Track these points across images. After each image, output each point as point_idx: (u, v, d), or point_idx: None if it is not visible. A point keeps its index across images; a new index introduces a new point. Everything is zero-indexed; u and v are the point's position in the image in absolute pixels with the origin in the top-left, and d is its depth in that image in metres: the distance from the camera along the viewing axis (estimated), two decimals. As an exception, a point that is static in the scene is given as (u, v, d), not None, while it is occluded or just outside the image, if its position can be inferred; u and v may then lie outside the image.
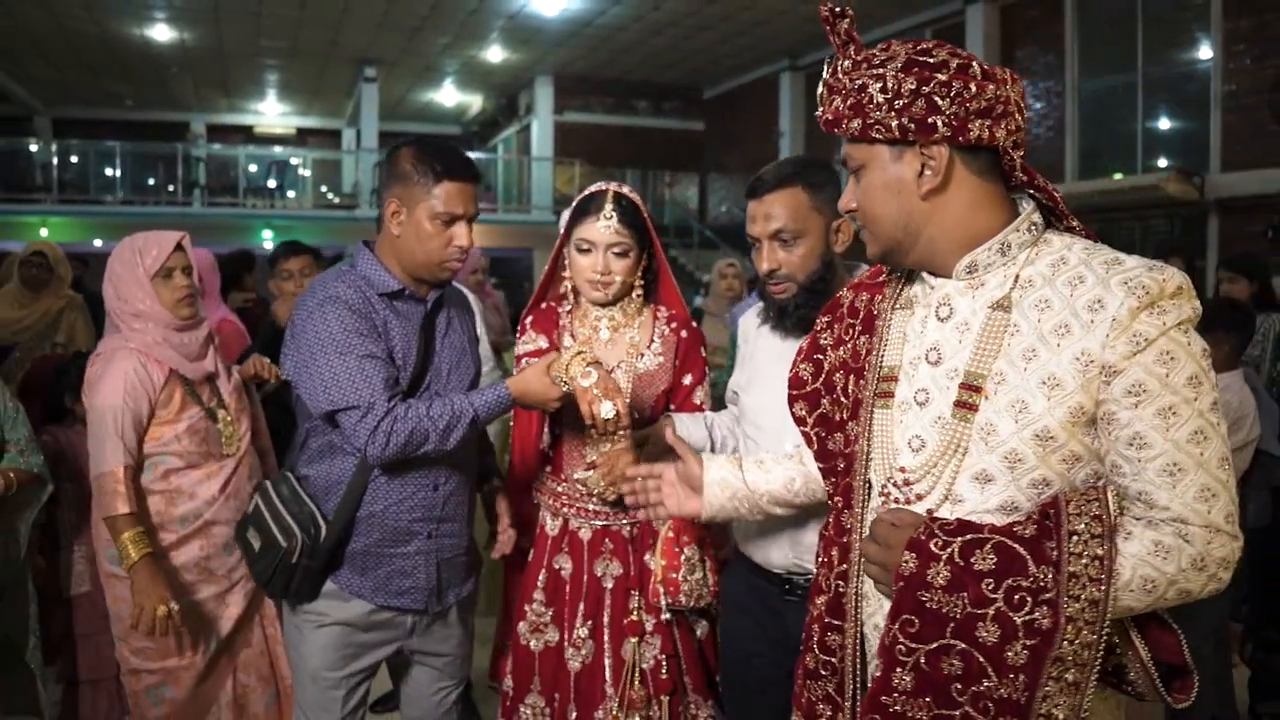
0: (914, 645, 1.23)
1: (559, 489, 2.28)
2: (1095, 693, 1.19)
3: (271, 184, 18.22)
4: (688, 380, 2.29)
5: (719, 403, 2.37)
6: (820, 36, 13.33)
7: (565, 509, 2.26)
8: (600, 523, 2.24)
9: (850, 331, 1.49)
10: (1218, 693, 2.99)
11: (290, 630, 2.12)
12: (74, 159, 17.43)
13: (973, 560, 1.20)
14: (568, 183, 17.87)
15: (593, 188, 2.27)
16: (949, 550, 1.22)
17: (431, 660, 2.21)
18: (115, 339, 2.43)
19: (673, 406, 2.29)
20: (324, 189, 19.33)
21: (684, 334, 2.31)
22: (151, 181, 17.89)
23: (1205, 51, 10.04)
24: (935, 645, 1.21)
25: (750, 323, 2.17)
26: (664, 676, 2.18)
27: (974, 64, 1.28)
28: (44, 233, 16.12)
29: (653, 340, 2.27)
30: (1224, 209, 9.71)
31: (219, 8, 13.47)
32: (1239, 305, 3.66)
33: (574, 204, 2.27)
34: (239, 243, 10.96)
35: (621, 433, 2.12)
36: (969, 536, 1.22)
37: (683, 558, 2.14)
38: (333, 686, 2.06)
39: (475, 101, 19.90)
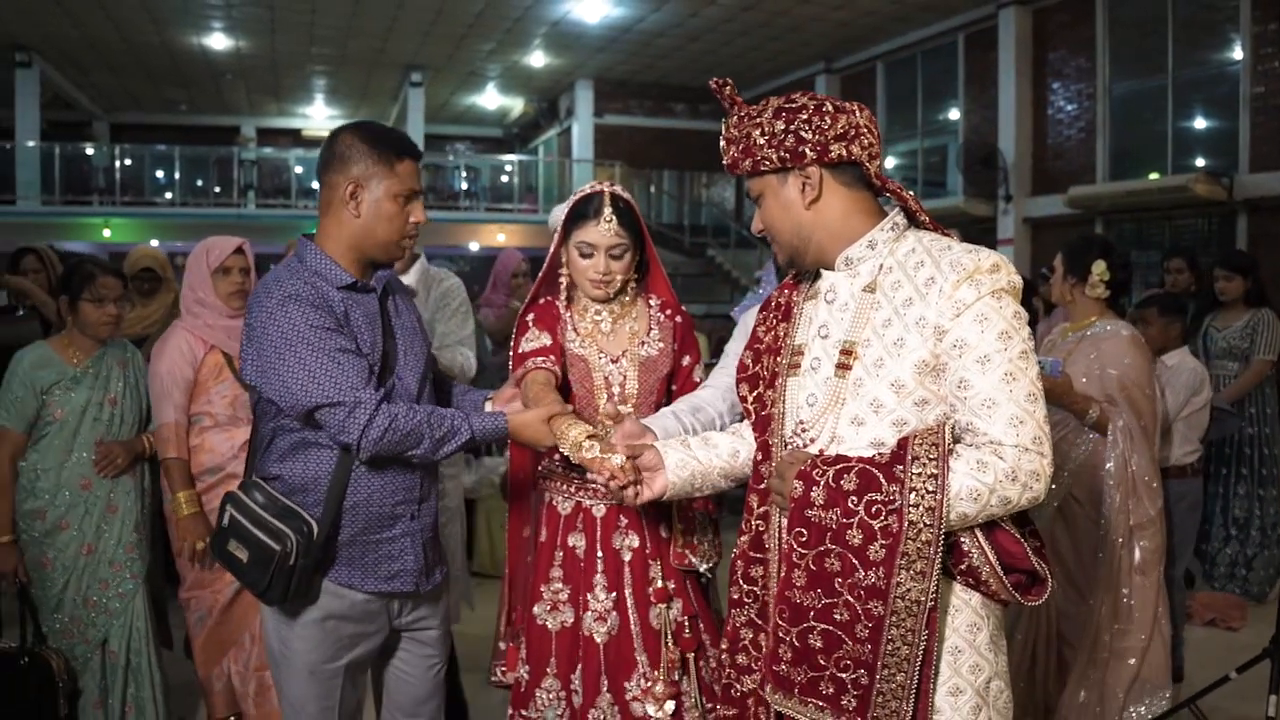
0: (804, 551, 1.54)
1: (572, 473, 2.29)
2: (950, 590, 1.54)
3: (314, 185, 18.71)
4: (686, 361, 2.41)
5: None
6: (855, 40, 13.65)
7: (578, 492, 2.31)
8: (613, 500, 2.26)
9: (774, 321, 1.81)
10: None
11: (277, 626, 2.05)
12: (128, 162, 18.06)
13: (842, 483, 1.51)
14: (607, 182, 18.14)
15: (587, 189, 2.32)
16: (825, 476, 1.53)
17: (419, 635, 2.21)
18: (175, 322, 3.02)
19: (674, 387, 2.40)
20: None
21: (678, 319, 2.42)
22: (201, 183, 18.44)
23: (1235, 53, 10.16)
24: (819, 549, 1.52)
25: (751, 324, 2.43)
26: (687, 636, 2.26)
27: (827, 103, 1.61)
28: (106, 233, 16.82)
29: (651, 328, 2.37)
30: (1253, 209, 9.83)
31: (274, 17, 14.01)
32: (1179, 297, 4.48)
33: (571, 205, 2.31)
34: (295, 243, 11.37)
35: (613, 423, 2.21)
36: (840, 465, 1.53)
37: (695, 521, 2.29)
38: (331, 676, 2.05)
39: (517, 105, 20.28)
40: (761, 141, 1.62)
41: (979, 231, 11.77)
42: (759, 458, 1.78)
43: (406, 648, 2.21)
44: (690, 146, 18.80)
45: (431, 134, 18.64)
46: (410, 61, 16.59)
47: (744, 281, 15.67)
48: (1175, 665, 3.45)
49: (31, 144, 16.43)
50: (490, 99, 19.79)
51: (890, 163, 15.15)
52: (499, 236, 18.14)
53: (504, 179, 19.80)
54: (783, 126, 1.60)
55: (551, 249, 2.38)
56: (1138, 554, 2.97)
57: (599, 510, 2.29)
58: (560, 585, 2.28)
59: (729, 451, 1.91)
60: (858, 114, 1.61)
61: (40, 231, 14.13)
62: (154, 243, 15.81)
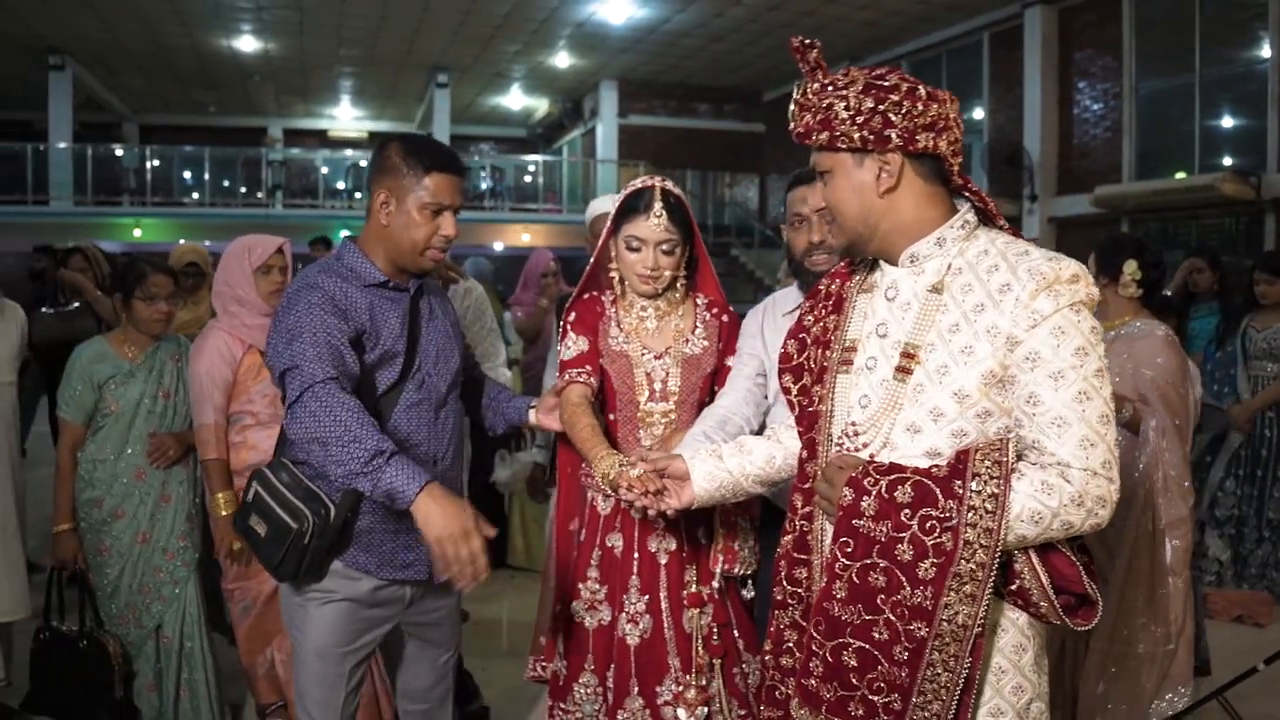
0: (849, 562, 1.47)
1: None
2: (1000, 610, 1.47)
3: (340, 185, 18.86)
4: (730, 362, 2.36)
5: None
6: (880, 39, 13.68)
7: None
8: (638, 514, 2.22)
9: (824, 312, 1.71)
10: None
11: (293, 609, 2.12)
12: (156, 162, 18.31)
13: (895, 494, 1.43)
14: (630, 180, 18.22)
15: (638, 183, 2.30)
16: (878, 486, 1.45)
17: (427, 631, 2.25)
18: (211, 322, 3.00)
19: (717, 387, 2.36)
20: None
21: (724, 319, 2.38)
22: (228, 183, 18.66)
23: (1263, 51, 10.15)
24: (865, 562, 1.45)
25: (763, 319, 2.36)
26: (716, 642, 2.23)
27: (920, 87, 1.50)
28: (137, 233, 17.05)
29: (696, 326, 2.34)
30: (1281, 208, 9.82)
31: (303, 19, 14.19)
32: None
33: (622, 200, 2.30)
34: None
35: (668, 419, 2.27)
36: (894, 475, 1.45)
37: (737, 527, 2.25)
38: (338, 663, 2.09)
39: (541, 105, 20.39)
40: (844, 115, 1.50)
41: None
42: (804, 455, 1.70)
43: (416, 636, 2.25)
44: (714, 146, 18.85)
45: (457, 134, 18.76)
46: (437, 63, 16.74)
47: (768, 281, 15.69)
48: (1200, 660, 3.48)
49: (63, 145, 16.69)
50: (515, 100, 19.93)
51: (914, 162, 15.17)
52: (524, 236, 18.26)
53: (528, 179, 19.91)
54: (871, 105, 1.49)
55: (599, 243, 2.37)
56: (1169, 553, 2.98)
57: (637, 513, 2.22)
58: (597, 585, 2.28)
59: (764, 458, 1.87)
60: (948, 105, 1.52)
61: (72, 231, 14.34)
62: (181, 241, 16.03)
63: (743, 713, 2.22)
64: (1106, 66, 11.62)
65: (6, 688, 3.19)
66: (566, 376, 2.27)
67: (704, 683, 2.20)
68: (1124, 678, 2.99)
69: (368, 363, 2.04)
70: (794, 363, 1.75)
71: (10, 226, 15.49)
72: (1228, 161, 10.64)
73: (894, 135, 1.49)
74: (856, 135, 1.50)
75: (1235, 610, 4.56)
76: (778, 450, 1.87)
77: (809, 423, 1.69)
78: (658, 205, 2.21)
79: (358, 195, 18.70)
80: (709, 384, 2.34)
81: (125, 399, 3.03)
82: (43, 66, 16.02)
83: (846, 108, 1.50)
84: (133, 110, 20.45)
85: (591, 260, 2.41)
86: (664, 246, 2.23)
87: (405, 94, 19.26)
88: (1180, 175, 10.80)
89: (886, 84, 1.49)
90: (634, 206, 2.24)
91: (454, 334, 2.26)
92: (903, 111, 1.48)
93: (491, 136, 22.67)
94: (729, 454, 1.87)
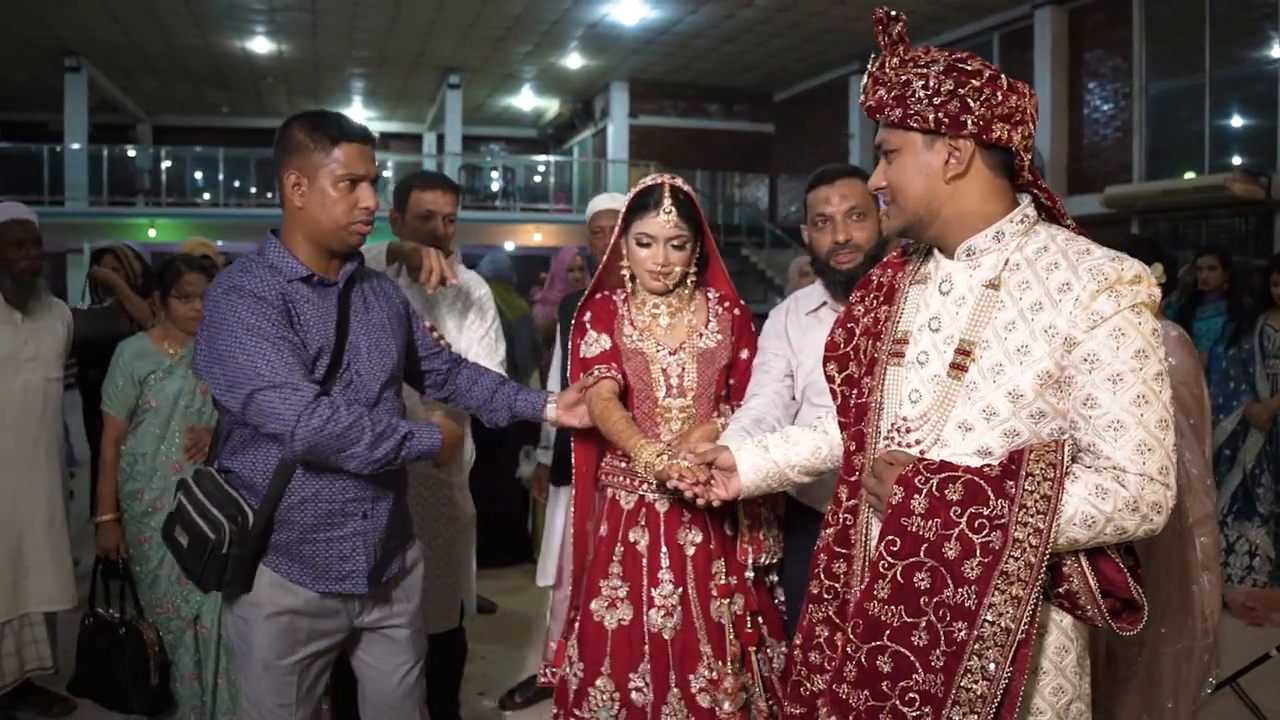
0: (893, 561, 1.44)
1: (634, 466, 2.27)
2: (1045, 611, 1.43)
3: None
4: (745, 355, 2.38)
5: None
6: (890, 43, 13.77)
7: (642, 485, 2.29)
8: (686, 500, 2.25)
9: (874, 302, 1.69)
10: None
11: (235, 622, 2.07)
12: (169, 163, 18.45)
13: (946, 492, 1.41)
14: (641, 180, 18.30)
15: (649, 180, 2.31)
16: (929, 485, 1.42)
17: (387, 634, 2.18)
18: None
19: (732, 381, 2.38)
20: (402, 192, 19.89)
21: (736, 312, 2.39)
22: (239, 184, 18.77)
23: (1273, 51, 10.18)
24: (910, 561, 1.42)
25: (786, 319, 2.43)
26: (749, 630, 2.25)
27: (1002, 77, 1.47)
28: (152, 233, 17.17)
29: (709, 320, 2.35)
30: (1290, 208, 9.83)
31: (316, 21, 14.29)
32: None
33: (632, 197, 2.31)
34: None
35: (686, 414, 2.30)
36: (945, 474, 1.42)
37: (762, 518, 2.27)
38: (287, 673, 2.02)
39: (552, 106, 20.48)
40: (922, 94, 1.46)
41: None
42: (852, 448, 1.66)
43: (374, 646, 2.17)
44: (724, 147, 18.90)
45: (467, 135, 18.90)
46: (448, 63, 16.84)
47: (778, 281, 15.75)
48: None
49: (77, 146, 16.83)
50: (526, 100, 20.02)
51: (924, 162, 15.22)
52: (535, 236, 18.35)
53: (538, 179, 20.01)
54: (951, 87, 1.45)
55: (611, 241, 2.39)
56: (1199, 550, 3.02)
57: (662, 506, 2.28)
58: (619, 582, 2.27)
59: (810, 449, 1.87)
60: (1027, 98, 1.49)
61: (88, 232, 14.50)
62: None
63: (772, 699, 2.25)
64: (1116, 67, 11.65)
65: (53, 675, 3.28)
66: (595, 372, 2.28)
67: (738, 670, 2.21)
68: (1164, 675, 3.03)
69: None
70: (840, 351, 1.73)
71: (27, 227, 15.62)
72: (1237, 161, 10.66)
73: (970, 121, 1.45)
74: (932, 116, 1.46)
75: (1253, 604, 4.55)
76: (823, 441, 1.87)
77: (857, 415, 1.65)
78: (667, 201, 2.23)
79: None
80: (724, 377, 2.36)
81: (164, 394, 3.11)
82: (58, 69, 16.18)
83: (925, 86, 1.46)
84: (146, 111, 20.59)
85: (604, 259, 2.43)
86: (674, 242, 2.25)
87: (416, 94, 19.36)
88: (1190, 175, 10.82)
89: (969, 68, 1.46)
90: (644, 204, 2.26)
91: (393, 327, 2.15)
92: (982, 98, 1.45)
93: (502, 137, 22.78)
94: (775, 445, 1.89)
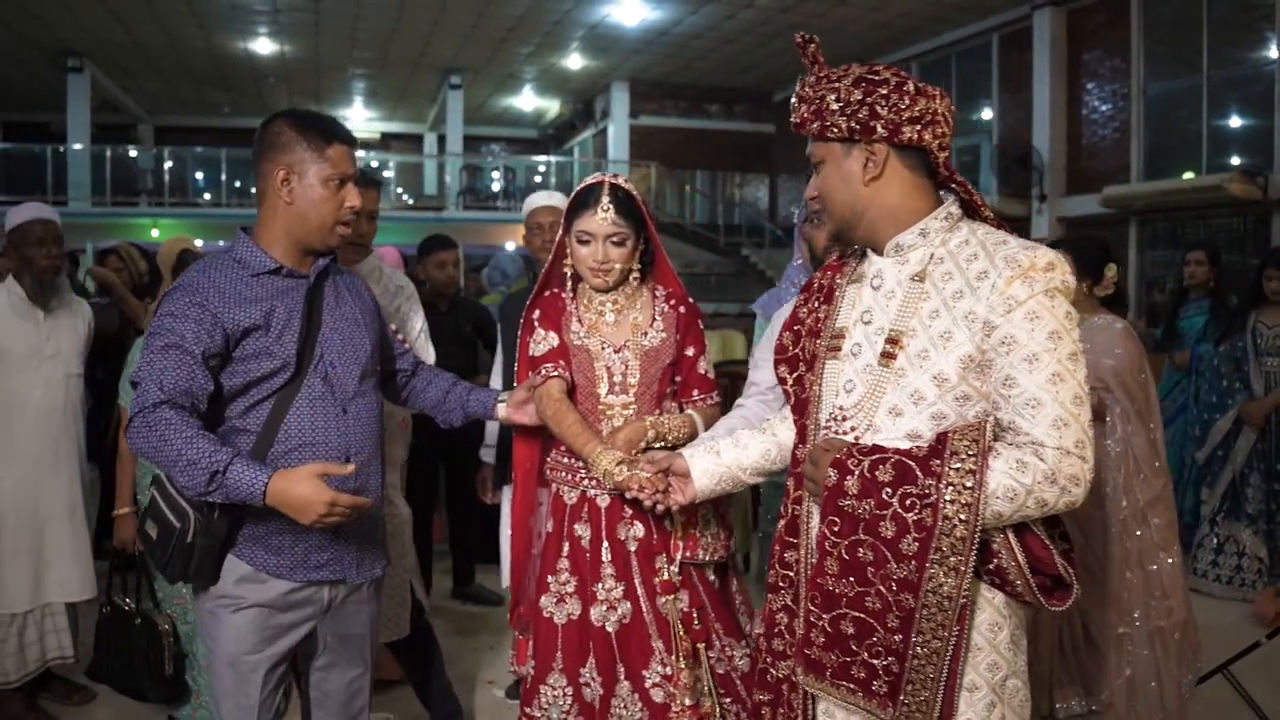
0: (837, 539, 1.53)
1: (576, 463, 2.30)
2: (977, 588, 1.51)
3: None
4: (690, 352, 2.39)
5: None
6: (890, 41, 13.81)
7: (583, 481, 2.31)
8: (618, 492, 2.27)
9: (816, 303, 1.78)
10: None
11: (204, 616, 2.04)
12: (170, 163, 18.52)
13: (877, 474, 1.49)
14: (642, 181, 18.43)
15: (590, 180, 2.34)
16: (860, 466, 1.51)
17: (343, 644, 2.16)
18: None
19: (678, 379, 2.39)
20: (400, 191, 19.91)
21: (682, 309, 2.39)
22: (239, 184, 18.79)
23: (1270, 52, 10.25)
24: (851, 539, 1.51)
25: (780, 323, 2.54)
26: (697, 627, 2.25)
27: (909, 83, 1.55)
28: (155, 234, 17.23)
29: (654, 318, 2.36)
30: (1288, 207, 9.87)
31: (319, 22, 14.36)
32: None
33: (573, 196, 2.34)
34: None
35: (629, 411, 2.31)
36: (876, 456, 1.51)
37: (699, 514, 2.27)
38: (251, 670, 2.01)
39: (552, 106, 20.53)
40: (835, 107, 1.57)
41: (1013, 231, 11.84)
42: (797, 441, 1.75)
43: (331, 649, 2.16)
44: (724, 147, 18.96)
45: (468, 135, 18.95)
46: (449, 64, 16.90)
47: (778, 281, 15.80)
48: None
49: (80, 146, 16.90)
50: (526, 100, 20.06)
51: (924, 162, 15.29)
52: (535, 236, 18.36)
53: (539, 179, 20.07)
54: (859, 96, 1.55)
55: (556, 240, 2.42)
56: (1153, 532, 3.11)
57: (603, 501, 2.30)
58: (567, 576, 2.29)
59: (760, 452, 1.94)
60: (937, 100, 1.57)
61: (91, 232, 14.53)
62: (198, 242, 16.18)
63: (723, 694, 2.26)
64: (1115, 67, 11.72)
65: (74, 664, 3.35)
66: (543, 371, 2.31)
67: (690, 665, 2.22)
68: (1142, 656, 3.11)
69: (259, 357, 1.94)
70: (789, 354, 1.81)
71: (30, 227, 15.69)
72: (1236, 161, 10.72)
73: (879, 126, 1.55)
74: (844, 125, 1.57)
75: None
76: (773, 444, 1.94)
77: (799, 409, 1.75)
78: (605, 199, 2.27)
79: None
80: (669, 375, 2.38)
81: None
82: (61, 69, 16.25)
83: (837, 99, 1.57)
84: (148, 112, 20.64)
85: (549, 257, 2.47)
86: (613, 239, 2.27)
87: (417, 95, 19.42)
88: (1188, 175, 10.88)
89: (876, 77, 1.56)
90: (584, 202, 2.30)
91: (366, 322, 2.16)
92: (890, 104, 1.54)
93: (503, 137, 22.83)
94: (726, 449, 1.96)
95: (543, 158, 21.34)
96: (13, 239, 3.22)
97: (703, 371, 2.40)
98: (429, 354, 3.15)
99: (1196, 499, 5.29)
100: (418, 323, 3.19)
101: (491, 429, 3.41)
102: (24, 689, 3.22)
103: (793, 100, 1.66)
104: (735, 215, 19.53)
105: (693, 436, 2.31)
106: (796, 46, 1.64)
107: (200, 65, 16.92)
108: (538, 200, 3.55)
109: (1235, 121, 11.11)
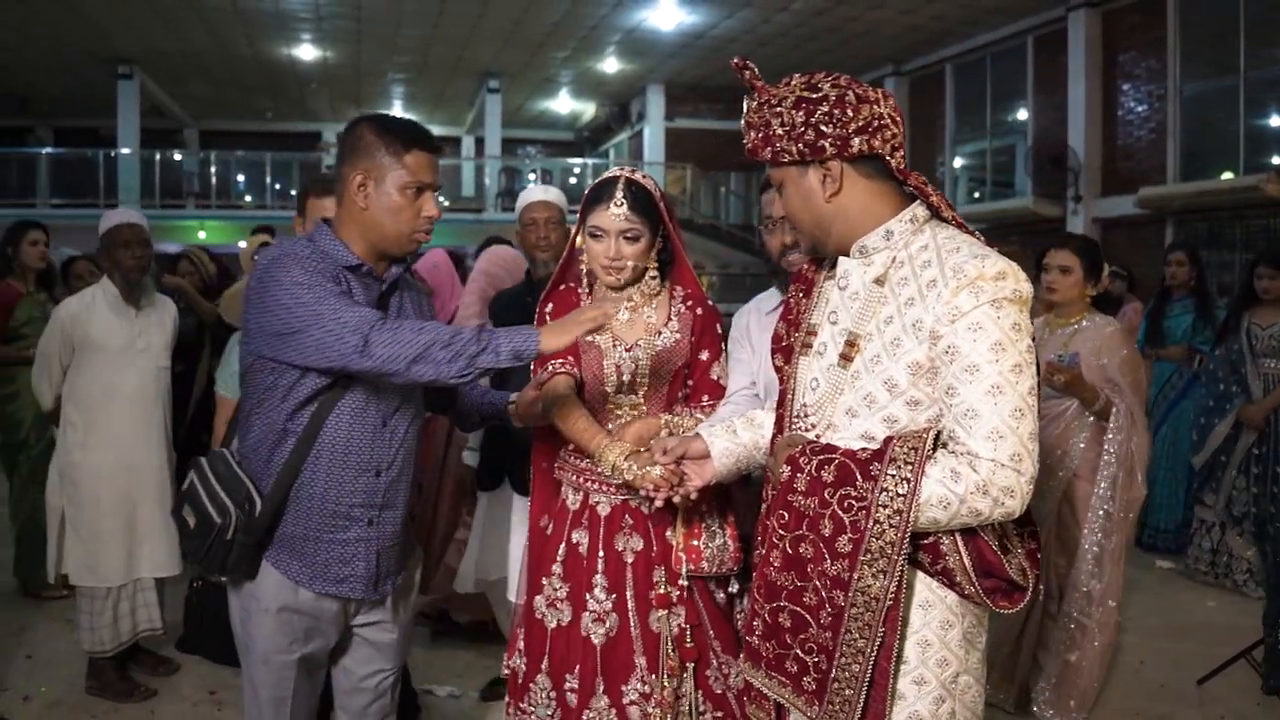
0: (783, 533, 1.57)
1: (581, 463, 2.27)
2: (922, 586, 1.54)
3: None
4: (704, 356, 2.32)
5: None
6: (924, 43, 13.92)
7: (587, 483, 2.27)
8: (621, 497, 2.24)
9: (800, 296, 1.80)
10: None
11: (238, 613, 2.06)
12: (214, 168, 18.96)
13: (823, 473, 1.52)
14: (677, 183, 18.58)
15: (606, 175, 2.28)
16: (810, 465, 1.54)
17: (372, 645, 2.16)
18: None
19: (690, 383, 2.33)
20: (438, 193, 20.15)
21: (699, 311, 2.33)
22: (279, 186, 19.18)
23: (1309, 53, 10.22)
24: (795, 534, 1.55)
25: (749, 319, 2.44)
26: (689, 645, 2.18)
27: (849, 92, 1.53)
28: (202, 235, 17.68)
29: (670, 319, 2.30)
30: (1324, 209, 9.87)
31: (361, 30, 14.68)
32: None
33: (588, 192, 2.28)
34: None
35: (636, 411, 2.28)
36: (824, 455, 1.54)
37: (703, 526, 2.20)
38: (283, 667, 2.02)
39: (588, 109, 20.74)
40: (780, 132, 1.56)
41: (1047, 232, 11.89)
42: (775, 430, 1.79)
43: (357, 650, 2.16)
44: (758, 149, 19.03)
45: (505, 137, 19.20)
46: (488, 68, 17.17)
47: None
48: None
49: (129, 151, 17.34)
50: (563, 103, 20.30)
51: (958, 162, 15.35)
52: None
53: (574, 181, 20.29)
54: (802, 119, 1.53)
55: (571, 236, 2.39)
56: (1128, 532, 3.20)
57: (604, 509, 2.26)
58: (560, 582, 2.25)
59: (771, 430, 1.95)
60: (881, 104, 1.56)
61: (141, 234, 14.88)
62: (241, 244, 16.53)
63: (719, 714, 2.20)
64: (1151, 68, 11.69)
65: (162, 637, 3.59)
66: (550, 368, 2.26)
67: (675, 684, 2.16)
68: (1087, 649, 3.23)
69: None
70: (784, 343, 1.82)
71: (82, 230, 16.09)
72: (1275, 161, 10.67)
73: (827, 145, 1.53)
74: (794, 149, 1.56)
75: None
76: None
77: (781, 400, 1.78)
78: (619, 195, 2.20)
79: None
80: (681, 378, 2.33)
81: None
82: (112, 76, 16.72)
83: (781, 124, 1.55)
84: (193, 116, 21.13)
85: (565, 253, 2.43)
86: (627, 235, 2.21)
87: (455, 98, 19.71)
88: (1226, 176, 10.86)
89: (815, 95, 1.54)
90: (598, 197, 2.23)
91: None
92: (833, 120, 1.52)
93: (539, 139, 23.09)
94: (742, 429, 1.96)
95: (579, 160, 21.56)
96: (105, 241, 3.47)
97: (715, 378, 2.34)
98: None
99: (1190, 502, 5.28)
100: None
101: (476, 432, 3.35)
102: (117, 658, 3.46)
103: (742, 125, 1.65)
104: (770, 216, 19.63)
105: None
106: (734, 69, 1.63)
107: (245, 71, 17.32)
108: (531, 195, 3.46)
109: (1274, 121, 11.06)
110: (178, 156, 19.58)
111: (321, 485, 1.95)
